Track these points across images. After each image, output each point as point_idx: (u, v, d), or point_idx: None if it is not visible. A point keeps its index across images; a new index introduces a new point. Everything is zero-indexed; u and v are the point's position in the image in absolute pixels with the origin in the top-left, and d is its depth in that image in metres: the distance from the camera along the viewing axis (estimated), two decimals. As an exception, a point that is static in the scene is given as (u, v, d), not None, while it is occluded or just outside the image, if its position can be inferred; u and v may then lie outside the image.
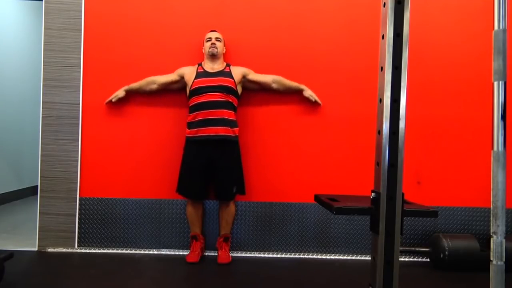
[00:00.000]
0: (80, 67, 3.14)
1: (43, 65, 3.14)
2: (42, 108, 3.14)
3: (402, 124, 1.27)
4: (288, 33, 3.17)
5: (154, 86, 3.08)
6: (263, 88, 3.11)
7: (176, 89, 3.10)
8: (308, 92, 3.11)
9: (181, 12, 3.17)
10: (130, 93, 3.12)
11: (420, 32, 3.09)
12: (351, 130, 3.16)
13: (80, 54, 3.14)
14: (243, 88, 3.08)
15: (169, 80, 3.07)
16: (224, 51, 3.08)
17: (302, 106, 3.17)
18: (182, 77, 3.05)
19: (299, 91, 3.12)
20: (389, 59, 1.27)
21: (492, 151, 1.14)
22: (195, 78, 2.98)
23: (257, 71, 3.10)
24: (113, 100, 3.10)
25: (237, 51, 3.17)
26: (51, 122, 3.14)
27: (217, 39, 3.01)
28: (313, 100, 3.11)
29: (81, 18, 3.13)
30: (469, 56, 3.16)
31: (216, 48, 2.99)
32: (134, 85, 3.09)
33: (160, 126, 3.16)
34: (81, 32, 3.14)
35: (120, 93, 3.09)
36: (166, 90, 3.11)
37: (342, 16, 3.18)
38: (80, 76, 3.14)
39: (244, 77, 3.05)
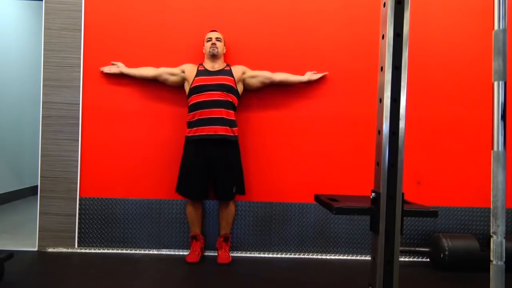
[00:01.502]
0: (80, 67, 3.14)
1: (43, 65, 3.14)
2: (42, 108, 3.14)
3: (402, 124, 1.27)
4: (289, 33, 3.17)
5: (151, 72, 3.07)
6: (265, 83, 3.09)
7: (172, 83, 3.08)
8: (308, 79, 3.10)
9: (181, 12, 3.17)
10: (127, 76, 3.11)
11: (420, 32, 3.09)
12: (351, 130, 3.16)
13: (80, 54, 3.14)
14: (245, 87, 3.08)
15: (168, 71, 3.06)
16: (224, 51, 3.08)
17: (302, 106, 3.17)
18: (182, 71, 3.05)
19: (302, 82, 3.11)
20: (389, 59, 1.27)
21: (492, 151, 1.14)
22: (195, 76, 2.98)
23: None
24: (106, 69, 3.11)
25: (237, 51, 3.17)
26: (51, 122, 3.14)
27: (217, 39, 3.01)
28: (317, 77, 3.11)
29: (81, 18, 3.13)
30: (469, 56, 3.16)
31: (217, 48, 2.99)
32: (137, 71, 3.10)
33: (160, 126, 3.16)
34: (81, 32, 3.14)
35: (117, 69, 3.10)
36: (164, 85, 3.11)
37: (342, 16, 3.18)
38: (80, 76, 3.14)
39: (244, 73, 3.05)
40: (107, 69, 3.11)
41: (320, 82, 3.16)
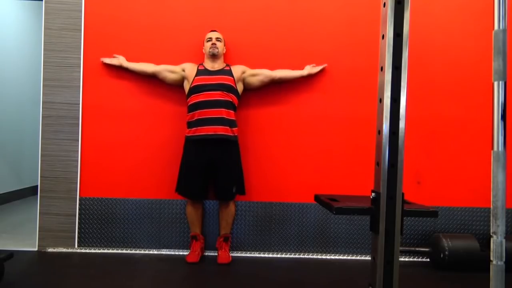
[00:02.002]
0: (80, 67, 3.14)
1: (43, 65, 3.14)
2: (42, 108, 3.14)
3: (402, 124, 1.27)
4: (289, 33, 3.17)
5: (151, 68, 3.07)
6: (265, 82, 3.08)
7: (171, 80, 3.06)
8: (308, 73, 3.10)
9: (181, 12, 3.17)
10: (126, 70, 3.11)
11: (420, 32, 3.09)
12: (351, 130, 3.16)
13: (80, 54, 3.14)
14: (245, 86, 3.07)
15: (169, 69, 3.05)
16: (224, 51, 3.08)
17: (303, 106, 3.17)
18: (183, 70, 3.04)
19: (302, 76, 3.11)
20: (389, 59, 1.27)
21: (492, 151, 1.14)
22: (195, 76, 2.98)
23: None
24: (107, 61, 3.10)
25: (237, 51, 3.17)
26: (51, 122, 3.14)
27: (217, 39, 3.01)
28: (317, 70, 3.12)
29: (81, 18, 3.13)
30: (469, 56, 3.17)
31: (217, 48, 2.98)
32: (137, 66, 3.10)
33: (160, 126, 3.16)
34: (81, 32, 3.14)
35: (117, 62, 3.10)
36: (163, 84, 3.10)
37: (342, 16, 3.18)
38: (80, 76, 3.14)
39: (244, 72, 3.05)
40: (108, 60, 3.11)
41: (320, 82, 3.16)
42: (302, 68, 3.12)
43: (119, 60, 3.10)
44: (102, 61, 3.11)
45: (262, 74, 3.07)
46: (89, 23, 3.14)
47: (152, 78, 3.11)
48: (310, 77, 3.14)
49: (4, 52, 5.05)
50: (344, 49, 3.18)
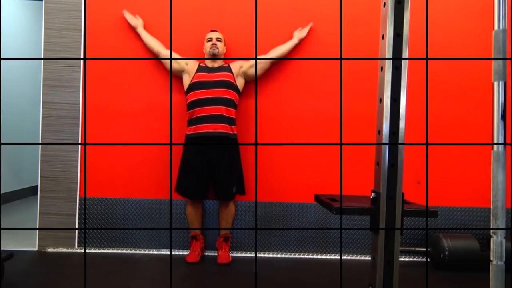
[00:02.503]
0: (80, 67, 3.14)
1: (43, 65, 3.14)
2: (42, 108, 3.14)
3: (402, 124, 1.27)
4: (289, 33, 3.16)
5: (157, 48, 3.08)
6: (264, 68, 3.08)
7: (172, 70, 3.08)
8: (298, 38, 3.11)
9: (181, 12, 3.17)
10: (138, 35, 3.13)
11: (420, 32, 3.08)
12: (351, 130, 3.15)
13: (80, 54, 3.14)
14: (247, 79, 3.07)
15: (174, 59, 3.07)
16: (224, 51, 3.08)
17: (303, 105, 3.17)
18: (185, 63, 3.04)
19: (295, 45, 3.11)
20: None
21: (492, 151, 1.14)
22: (196, 72, 2.98)
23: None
24: (128, 16, 3.12)
25: (237, 50, 3.16)
26: (51, 122, 3.14)
27: (217, 39, 3.01)
28: (306, 32, 3.12)
29: (81, 18, 3.13)
30: (469, 56, 3.16)
31: (217, 48, 2.98)
32: (148, 37, 3.10)
33: (160, 126, 3.16)
34: (81, 32, 3.14)
35: (135, 22, 3.11)
36: (162, 81, 3.12)
37: (343, 15, 3.17)
38: (80, 76, 3.14)
39: (241, 67, 3.05)
40: (129, 16, 3.12)
41: (321, 81, 3.16)
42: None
43: (137, 22, 3.11)
44: (123, 13, 3.11)
45: (261, 62, 3.07)
46: (89, 23, 3.14)
47: (151, 74, 3.11)
48: (302, 41, 3.13)
49: (4, 52, 5.04)
50: (344, 49, 3.18)
